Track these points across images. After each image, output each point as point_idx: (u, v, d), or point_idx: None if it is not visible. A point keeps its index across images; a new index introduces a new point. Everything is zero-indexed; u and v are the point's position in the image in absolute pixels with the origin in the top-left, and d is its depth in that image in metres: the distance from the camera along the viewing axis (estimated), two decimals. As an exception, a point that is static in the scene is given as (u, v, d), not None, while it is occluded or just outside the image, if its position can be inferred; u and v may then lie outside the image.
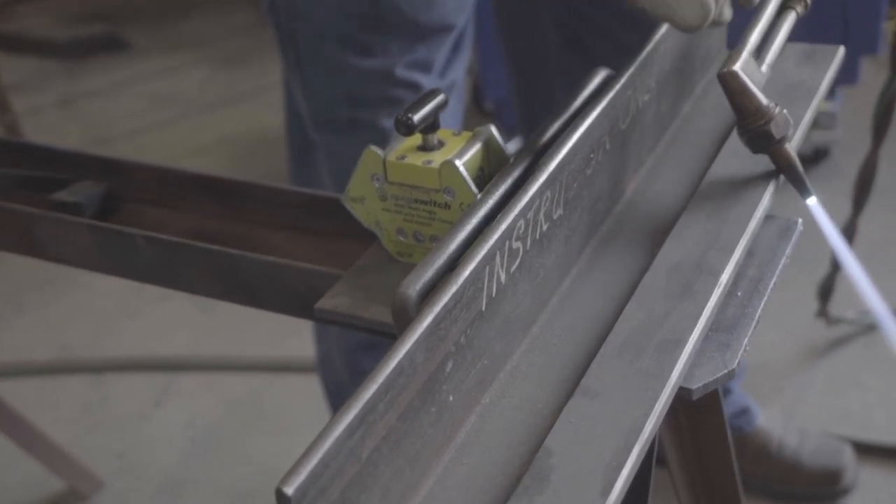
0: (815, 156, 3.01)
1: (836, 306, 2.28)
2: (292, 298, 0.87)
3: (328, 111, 1.45)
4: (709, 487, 1.06)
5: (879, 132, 1.90)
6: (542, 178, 0.71)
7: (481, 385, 0.68)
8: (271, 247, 0.96)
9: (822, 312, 2.25)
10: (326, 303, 0.80)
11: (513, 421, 0.67)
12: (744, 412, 2.01)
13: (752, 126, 0.78)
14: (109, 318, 2.68)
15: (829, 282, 2.18)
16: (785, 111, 0.79)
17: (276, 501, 0.51)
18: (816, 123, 2.94)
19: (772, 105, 0.78)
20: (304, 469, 0.51)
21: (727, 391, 1.98)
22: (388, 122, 1.41)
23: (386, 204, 0.81)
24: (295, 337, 2.32)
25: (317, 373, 1.92)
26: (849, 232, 2.08)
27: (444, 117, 1.43)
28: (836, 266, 2.12)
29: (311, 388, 2.15)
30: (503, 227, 0.67)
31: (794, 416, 2.17)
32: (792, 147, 0.80)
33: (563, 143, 0.74)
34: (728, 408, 1.99)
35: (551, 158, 0.72)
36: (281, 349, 2.45)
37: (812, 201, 0.82)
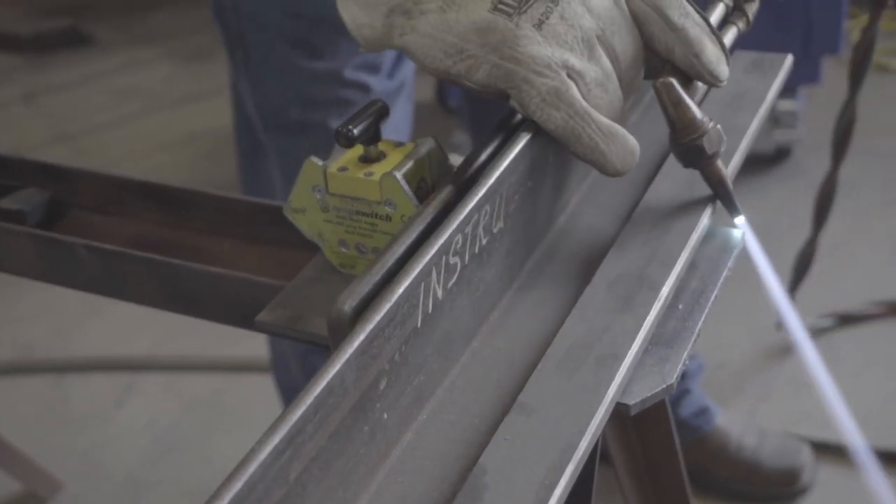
0: (776, 154, 3.03)
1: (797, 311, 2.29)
2: (234, 309, 0.86)
3: (278, 113, 1.44)
4: (658, 493, 1.06)
5: (839, 152, 1.90)
6: (481, 192, 0.70)
7: (418, 402, 0.68)
8: (217, 255, 0.95)
9: (781, 325, 2.26)
10: (267, 315, 0.80)
11: (449, 437, 0.66)
12: (703, 412, 2.02)
13: (685, 140, 0.78)
14: (71, 318, 2.66)
15: (790, 291, 2.19)
16: (719, 126, 0.78)
17: (199, 527, 0.50)
18: (778, 122, 2.95)
19: (706, 119, 0.78)
20: (226, 494, 0.51)
21: (685, 391, 1.99)
22: (338, 124, 1.41)
23: (328, 215, 0.81)
24: (255, 337, 2.30)
25: (271, 375, 1.92)
26: (809, 249, 2.08)
27: (394, 117, 1.43)
28: (797, 279, 2.13)
29: (271, 388, 2.14)
30: (439, 243, 0.66)
31: (754, 416, 2.19)
32: (723, 164, 0.80)
33: (504, 155, 0.73)
34: (687, 408, 2.00)
35: (491, 171, 0.72)
36: (241, 349, 2.44)
37: (740, 220, 0.82)
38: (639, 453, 1.03)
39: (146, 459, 2.23)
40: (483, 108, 1.77)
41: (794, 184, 2.93)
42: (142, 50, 4.18)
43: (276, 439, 0.53)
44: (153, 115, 3.67)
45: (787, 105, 2.94)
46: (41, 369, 2.49)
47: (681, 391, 1.99)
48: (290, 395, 1.83)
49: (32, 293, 2.74)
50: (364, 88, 1.42)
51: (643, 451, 1.03)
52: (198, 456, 2.22)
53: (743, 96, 0.96)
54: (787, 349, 2.31)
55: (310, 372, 1.68)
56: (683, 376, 2.03)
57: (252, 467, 0.52)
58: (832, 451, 2.06)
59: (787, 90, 2.97)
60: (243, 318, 0.85)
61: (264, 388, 2.30)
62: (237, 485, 0.51)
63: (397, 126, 1.50)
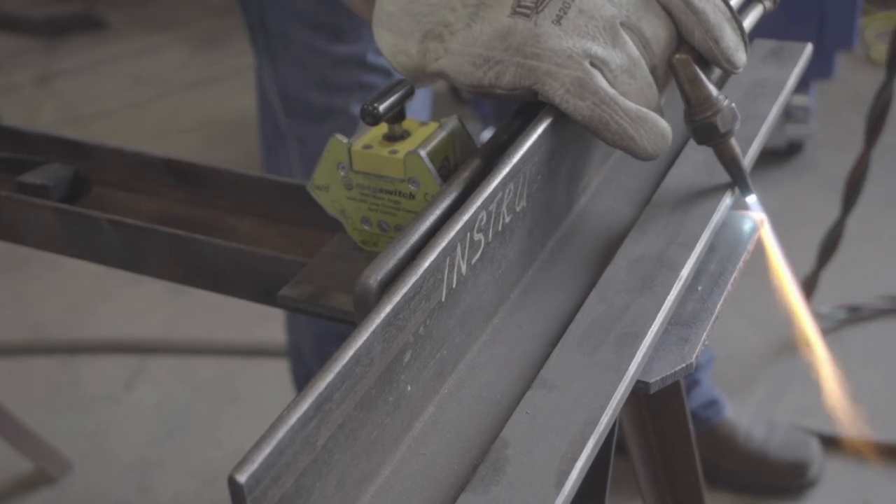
0: (788, 149, 3.03)
1: (812, 302, 2.30)
2: (256, 285, 0.87)
3: (300, 98, 1.45)
4: (671, 480, 1.07)
5: (873, 133, 1.91)
6: (505, 170, 0.71)
7: (440, 375, 0.68)
8: (239, 233, 0.96)
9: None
10: (290, 290, 0.81)
11: (471, 411, 0.67)
12: (712, 403, 2.03)
13: (699, 117, 0.78)
14: (83, 299, 2.67)
15: (812, 280, 2.20)
16: (733, 105, 0.79)
17: (230, 489, 0.51)
18: (790, 117, 2.95)
19: (721, 97, 0.78)
20: (257, 457, 0.51)
21: (695, 382, 1.99)
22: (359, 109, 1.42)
23: (351, 193, 0.82)
24: (266, 322, 2.33)
25: (287, 362, 1.92)
26: (836, 231, 2.10)
27: (414, 105, 1.43)
28: (822, 262, 2.14)
29: (281, 373, 2.15)
30: (465, 218, 0.67)
31: (764, 408, 2.19)
32: (736, 143, 0.80)
33: (528, 135, 0.74)
34: (696, 399, 2.01)
35: (515, 150, 0.73)
36: (252, 334, 2.45)
37: (752, 199, 0.83)
38: (652, 437, 1.04)
39: (155, 441, 2.24)
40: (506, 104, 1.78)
41: (805, 178, 2.93)
42: (155, 35, 4.19)
43: (305, 405, 0.54)
44: (165, 99, 3.68)
45: (799, 100, 2.94)
46: (52, 350, 2.50)
47: (690, 382, 1.99)
48: (304, 383, 1.84)
49: (45, 274, 2.75)
50: (386, 73, 1.43)
51: (656, 434, 1.04)
52: (206, 438, 2.23)
53: (762, 84, 0.97)
54: (794, 342, 2.31)
55: (325, 360, 1.69)
56: (693, 368, 2.04)
57: (282, 432, 0.53)
58: (841, 445, 2.07)
59: (800, 85, 2.97)
60: (266, 293, 0.86)
61: (274, 372, 2.31)
62: (267, 448, 0.52)
63: (417, 114, 1.50)
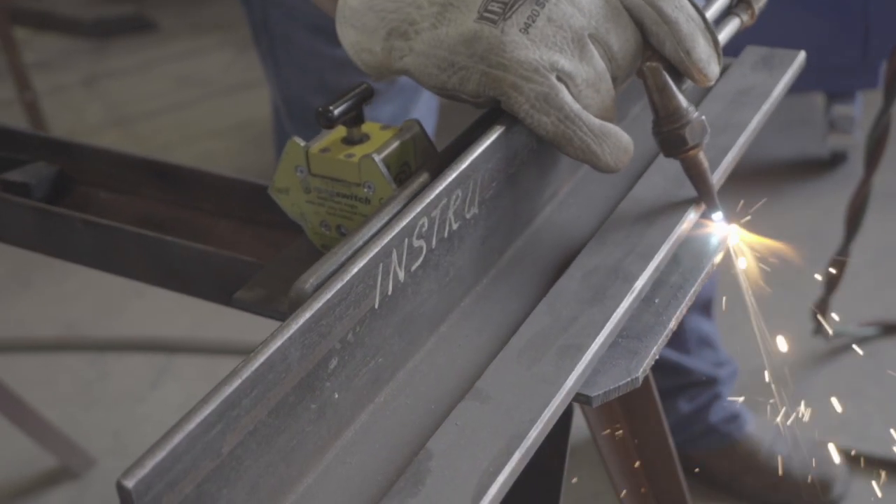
0: (832, 160, 2.97)
1: (839, 318, 2.25)
2: (218, 286, 0.86)
3: (301, 101, 1.44)
4: (652, 479, 1.04)
5: (872, 161, 1.85)
6: (451, 176, 0.70)
7: (376, 383, 0.67)
8: (214, 235, 0.96)
9: (819, 330, 2.22)
10: (244, 294, 0.80)
11: (403, 421, 0.66)
12: (734, 418, 1.99)
13: (667, 128, 0.76)
14: (115, 297, 2.70)
15: (824, 303, 2.15)
16: (703, 118, 0.77)
17: (118, 494, 0.50)
18: (834, 127, 2.89)
19: (690, 109, 0.76)
20: (148, 463, 0.51)
21: (717, 396, 1.96)
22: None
23: (310, 196, 0.81)
24: (290, 323, 2.32)
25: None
26: (841, 258, 2.05)
27: (420, 110, 1.42)
28: (829, 288, 2.09)
29: (301, 376, 2.15)
30: (400, 226, 0.66)
31: (788, 424, 2.14)
32: (705, 157, 0.78)
33: (479, 142, 0.73)
34: (717, 413, 1.97)
35: (464, 158, 0.71)
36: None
37: (718, 216, 0.80)
38: (629, 438, 1.01)
39: (178, 440, 2.25)
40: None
41: (848, 190, 2.87)
42: (202, 37, 4.23)
43: (206, 411, 0.54)
44: (208, 101, 3.71)
45: (843, 110, 2.88)
46: (82, 347, 2.53)
47: (711, 396, 1.96)
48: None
49: (79, 272, 2.77)
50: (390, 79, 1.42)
51: (638, 449, 1.02)
52: (229, 439, 2.23)
53: (748, 92, 0.94)
54: (826, 356, 2.26)
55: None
56: (715, 381, 2.00)
57: (178, 437, 0.52)
58: (868, 464, 2.02)
59: (845, 95, 2.91)
60: (227, 295, 0.85)
61: (297, 374, 2.31)
62: (161, 454, 0.51)
63: (423, 119, 1.49)
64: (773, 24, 2.55)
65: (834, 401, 2.16)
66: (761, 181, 2.88)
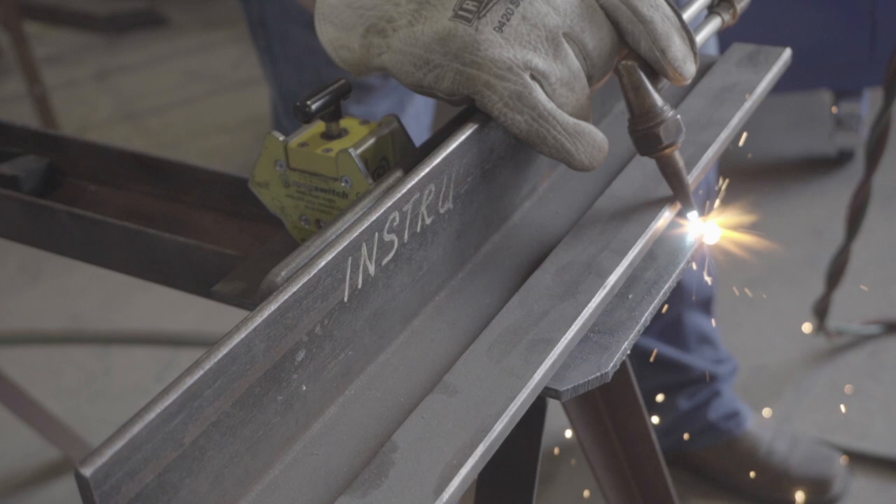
0: (839, 157, 2.96)
1: (840, 317, 2.25)
2: (200, 278, 0.87)
3: (297, 97, 1.45)
4: (635, 473, 1.04)
5: (872, 161, 1.84)
6: (423, 172, 0.70)
7: (346, 376, 0.68)
8: (200, 228, 0.97)
9: (821, 328, 2.21)
10: (223, 286, 0.81)
11: (371, 414, 0.67)
12: (733, 415, 1.99)
13: (641, 126, 0.77)
14: (121, 291, 2.71)
15: (824, 302, 2.14)
16: (679, 117, 0.77)
17: (77, 483, 0.51)
18: (841, 125, 2.88)
19: (666, 108, 0.76)
20: (107, 451, 0.51)
21: (717, 393, 1.96)
22: (357, 109, 1.41)
23: (289, 190, 0.81)
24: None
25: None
26: (841, 259, 2.04)
27: (416, 108, 1.42)
28: (830, 286, 2.09)
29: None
30: (370, 220, 0.66)
31: (789, 421, 2.14)
32: (680, 157, 0.78)
33: (453, 138, 0.73)
34: (717, 410, 1.97)
35: (437, 153, 0.72)
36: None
37: (693, 216, 0.80)
38: (617, 446, 1.02)
39: (181, 433, 2.26)
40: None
41: (854, 188, 2.86)
42: (213, 32, 4.24)
43: (167, 401, 0.54)
44: (217, 97, 3.72)
45: (850, 107, 2.87)
46: (87, 340, 2.55)
47: (711, 393, 1.96)
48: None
49: (85, 266, 2.79)
50: (382, 73, 1.42)
51: (621, 442, 1.02)
52: (231, 432, 2.24)
53: (731, 89, 0.94)
54: (828, 354, 2.26)
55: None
56: (715, 378, 2.00)
57: (138, 427, 0.53)
58: (868, 462, 2.01)
59: (852, 92, 2.90)
60: (208, 288, 0.86)
61: (300, 369, 2.32)
62: (119, 443, 0.52)
63: (419, 117, 1.50)
64: (780, 21, 2.54)
65: (835, 399, 2.16)
66: (768, 179, 2.88)
